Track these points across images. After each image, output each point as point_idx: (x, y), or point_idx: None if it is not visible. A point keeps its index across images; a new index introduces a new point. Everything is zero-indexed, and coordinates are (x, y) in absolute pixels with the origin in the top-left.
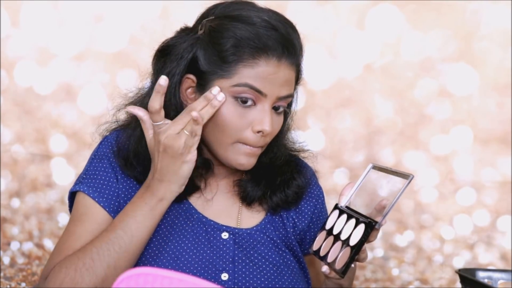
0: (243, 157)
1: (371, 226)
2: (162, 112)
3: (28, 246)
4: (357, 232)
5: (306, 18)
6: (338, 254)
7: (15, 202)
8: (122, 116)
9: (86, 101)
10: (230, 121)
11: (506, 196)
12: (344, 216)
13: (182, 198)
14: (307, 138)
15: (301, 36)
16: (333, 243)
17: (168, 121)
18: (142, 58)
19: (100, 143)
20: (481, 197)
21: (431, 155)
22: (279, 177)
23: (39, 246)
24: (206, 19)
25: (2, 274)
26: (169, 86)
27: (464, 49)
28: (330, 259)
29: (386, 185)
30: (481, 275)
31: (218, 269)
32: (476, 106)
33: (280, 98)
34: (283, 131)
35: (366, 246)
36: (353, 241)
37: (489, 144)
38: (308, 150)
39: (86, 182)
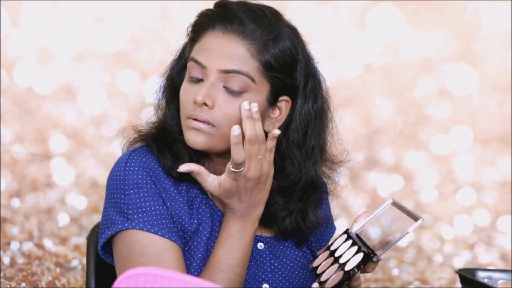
0: (189, 132)
1: (368, 257)
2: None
3: (28, 246)
4: (355, 259)
5: (306, 18)
6: (331, 275)
7: (15, 202)
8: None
9: (86, 101)
10: (181, 98)
11: (506, 196)
12: (349, 242)
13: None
14: None
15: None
16: (331, 264)
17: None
18: (142, 58)
19: (128, 169)
20: (481, 197)
21: (431, 155)
22: (289, 204)
23: (39, 246)
24: None
25: (2, 274)
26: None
27: (464, 49)
28: (323, 278)
29: (397, 223)
30: (481, 275)
31: (258, 280)
32: (476, 106)
33: (223, 72)
34: (304, 151)
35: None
36: (348, 267)
37: (489, 144)
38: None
39: (138, 218)
